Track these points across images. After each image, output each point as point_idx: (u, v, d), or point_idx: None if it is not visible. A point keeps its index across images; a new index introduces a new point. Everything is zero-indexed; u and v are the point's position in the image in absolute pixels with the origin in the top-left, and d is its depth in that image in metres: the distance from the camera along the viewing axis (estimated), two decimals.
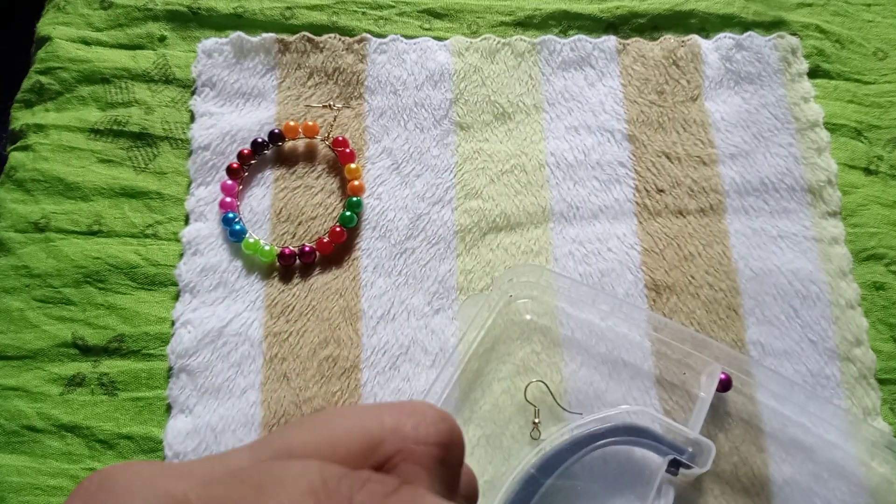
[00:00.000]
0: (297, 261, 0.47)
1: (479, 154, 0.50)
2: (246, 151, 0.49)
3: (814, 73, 0.53)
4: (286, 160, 0.50)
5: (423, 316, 0.45)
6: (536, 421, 0.42)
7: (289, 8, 0.54)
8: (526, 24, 0.55)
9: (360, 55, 0.53)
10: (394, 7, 0.55)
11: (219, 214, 0.48)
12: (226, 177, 0.49)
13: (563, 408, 0.43)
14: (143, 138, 0.50)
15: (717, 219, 0.48)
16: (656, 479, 0.39)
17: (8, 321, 0.45)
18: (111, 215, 0.48)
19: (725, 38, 0.53)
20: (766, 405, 0.43)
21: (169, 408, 0.43)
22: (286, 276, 0.47)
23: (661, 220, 0.48)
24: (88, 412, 0.43)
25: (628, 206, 0.48)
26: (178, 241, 0.47)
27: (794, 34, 0.54)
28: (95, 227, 0.48)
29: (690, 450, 0.40)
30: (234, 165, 0.49)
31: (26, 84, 0.52)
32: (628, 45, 0.53)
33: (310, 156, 0.50)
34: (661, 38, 0.54)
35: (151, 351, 0.45)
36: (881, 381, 0.44)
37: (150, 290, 0.46)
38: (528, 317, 0.45)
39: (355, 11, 0.55)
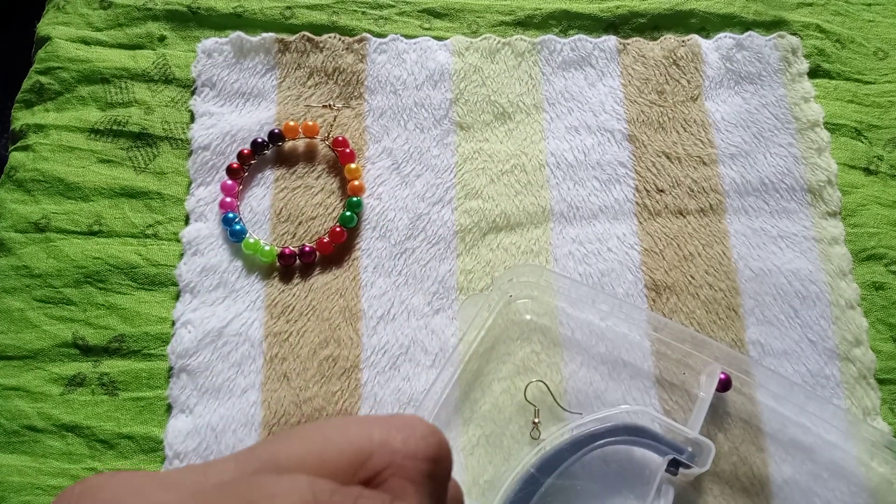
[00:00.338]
0: (297, 261, 0.47)
1: (479, 154, 0.50)
2: (246, 151, 0.49)
3: (814, 73, 0.53)
4: (286, 160, 0.50)
5: (423, 316, 0.45)
6: (536, 421, 0.42)
7: (288, 8, 0.54)
8: (526, 23, 0.55)
9: (360, 55, 0.53)
10: (394, 7, 0.55)
11: (219, 214, 0.48)
12: (226, 177, 0.49)
13: (562, 408, 0.43)
14: (142, 138, 0.50)
15: (716, 219, 0.48)
16: (656, 478, 0.39)
17: (8, 321, 0.45)
18: (111, 215, 0.48)
19: (726, 38, 0.53)
20: (766, 405, 0.43)
21: (169, 408, 0.43)
22: (286, 276, 0.47)
23: (661, 220, 0.48)
24: (89, 412, 0.43)
25: (628, 206, 0.48)
26: (178, 241, 0.48)
27: (794, 34, 0.54)
28: (96, 228, 0.48)
29: (690, 450, 0.40)
30: (234, 165, 0.49)
31: (26, 84, 0.52)
32: (628, 44, 0.53)
33: (310, 156, 0.50)
34: (662, 38, 0.54)
35: (152, 351, 0.45)
36: (881, 381, 0.44)
37: (150, 290, 0.46)
38: (527, 317, 0.45)
39: (355, 11, 0.54)
